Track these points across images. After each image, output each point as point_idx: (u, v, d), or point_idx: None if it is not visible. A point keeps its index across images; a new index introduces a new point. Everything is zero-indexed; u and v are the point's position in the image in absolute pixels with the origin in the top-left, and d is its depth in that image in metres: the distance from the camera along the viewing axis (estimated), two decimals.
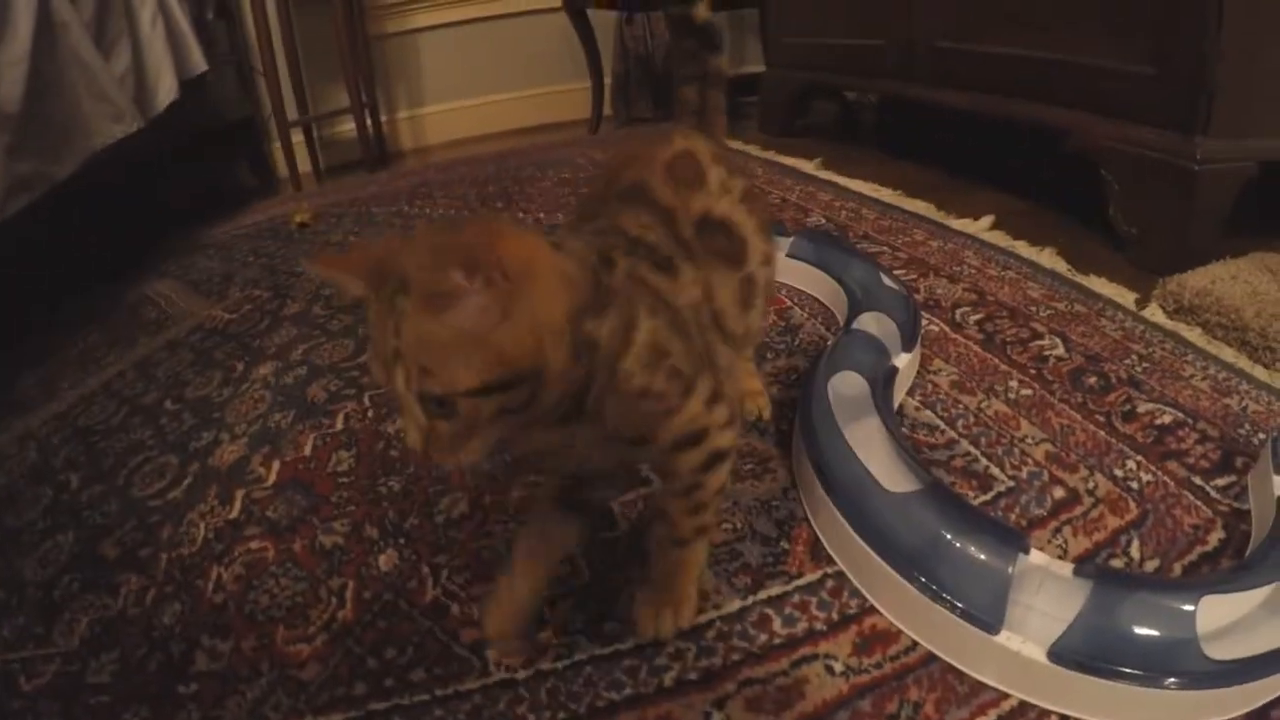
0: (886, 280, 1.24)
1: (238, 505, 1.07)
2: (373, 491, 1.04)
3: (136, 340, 1.71)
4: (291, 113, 2.92)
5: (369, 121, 3.09)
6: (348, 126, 3.13)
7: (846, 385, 0.96)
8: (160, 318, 1.82)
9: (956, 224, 1.68)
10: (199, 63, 2.34)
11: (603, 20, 3.10)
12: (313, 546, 0.96)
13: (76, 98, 1.79)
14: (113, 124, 1.89)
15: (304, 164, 3.02)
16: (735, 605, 0.80)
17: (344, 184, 2.81)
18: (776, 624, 0.78)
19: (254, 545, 0.99)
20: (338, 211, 2.37)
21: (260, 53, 2.77)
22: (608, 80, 3.23)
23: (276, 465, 1.13)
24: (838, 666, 0.73)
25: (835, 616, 0.78)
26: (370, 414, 1.22)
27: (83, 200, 2.00)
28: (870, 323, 1.12)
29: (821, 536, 0.87)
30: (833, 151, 2.25)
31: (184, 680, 0.82)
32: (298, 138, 2.96)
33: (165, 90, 2.15)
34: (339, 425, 1.20)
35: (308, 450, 1.16)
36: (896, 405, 1.06)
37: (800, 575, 0.83)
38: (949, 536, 0.73)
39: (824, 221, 1.76)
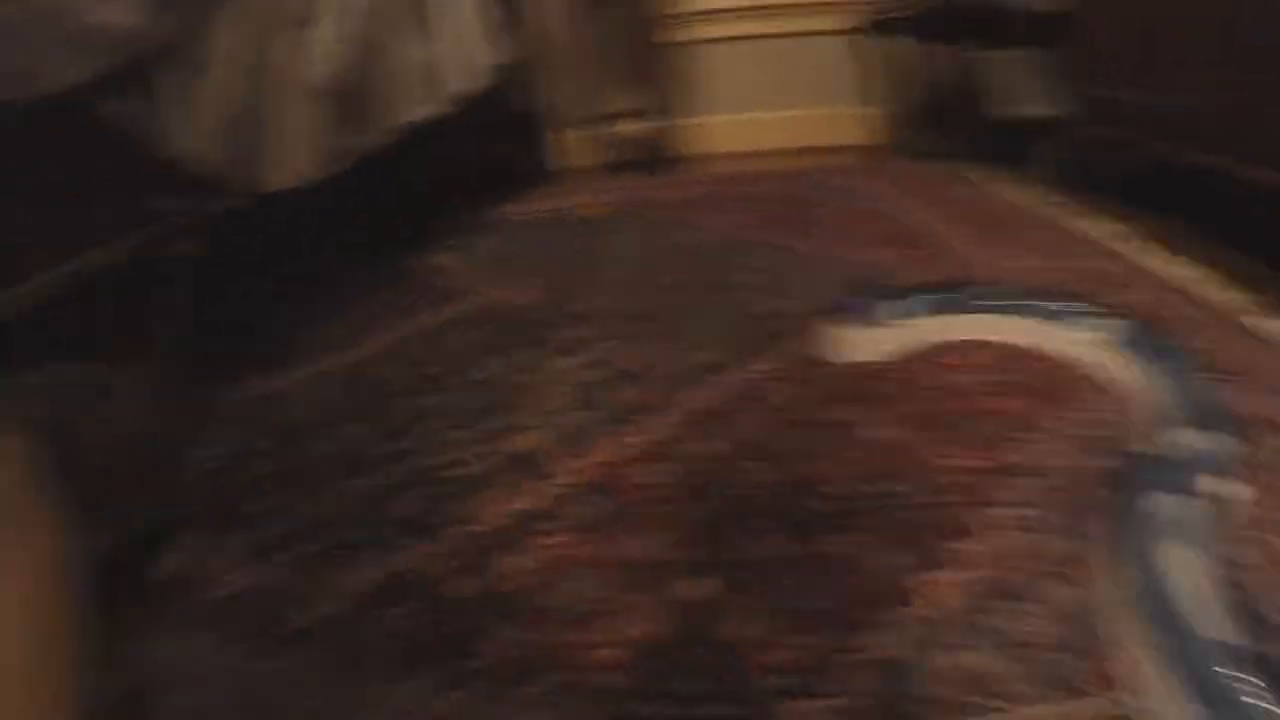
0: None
1: (535, 497, 1.01)
2: (681, 514, 0.96)
3: (422, 310, 1.73)
4: (580, 109, 3.04)
5: (655, 125, 3.11)
6: (633, 126, 3.17)
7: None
8: (448, 290, 1.83)
9: None
10: (503, 53, 2.43)
11: (898, 48, 2.97)
12: (614, 557, 0.89)
13: (387, 77, 1.89)
14: (421, 103, 2.00)
15: (587, 159, 3.13)
16: None
17: (627, 183, 2.81)
18: None
19: (549, 542, 0.93)
20: (624, 210, 2.35)
21: (555, 49, 2.89)
22: (896, 109, 3.09)
23: (578, 464, 1.08)
24: None
25: None
26: (683, 429, 1.14)
27: (376, 171, 2.10)
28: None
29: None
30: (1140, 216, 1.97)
31: (471, 655, 0.77)
32: (584, 133, 3.08)
33: (471, 76, 2.23)
34: (646, 436, 1.13)
35: (612, 455, 1.09)
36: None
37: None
38: None
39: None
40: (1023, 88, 3.03)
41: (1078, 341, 1.17)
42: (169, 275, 1.02)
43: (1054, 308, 1.22)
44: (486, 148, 2.90)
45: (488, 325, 1.60)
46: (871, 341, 1.26)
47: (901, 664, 0.71)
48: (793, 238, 1.92)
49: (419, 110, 2.02)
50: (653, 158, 3.04)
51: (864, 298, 1.30)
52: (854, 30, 2.89)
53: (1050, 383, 1.13)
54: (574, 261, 1.90)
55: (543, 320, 1.58)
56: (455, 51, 2.21)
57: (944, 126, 3.06)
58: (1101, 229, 1.86)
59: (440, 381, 1.37)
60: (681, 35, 3.28)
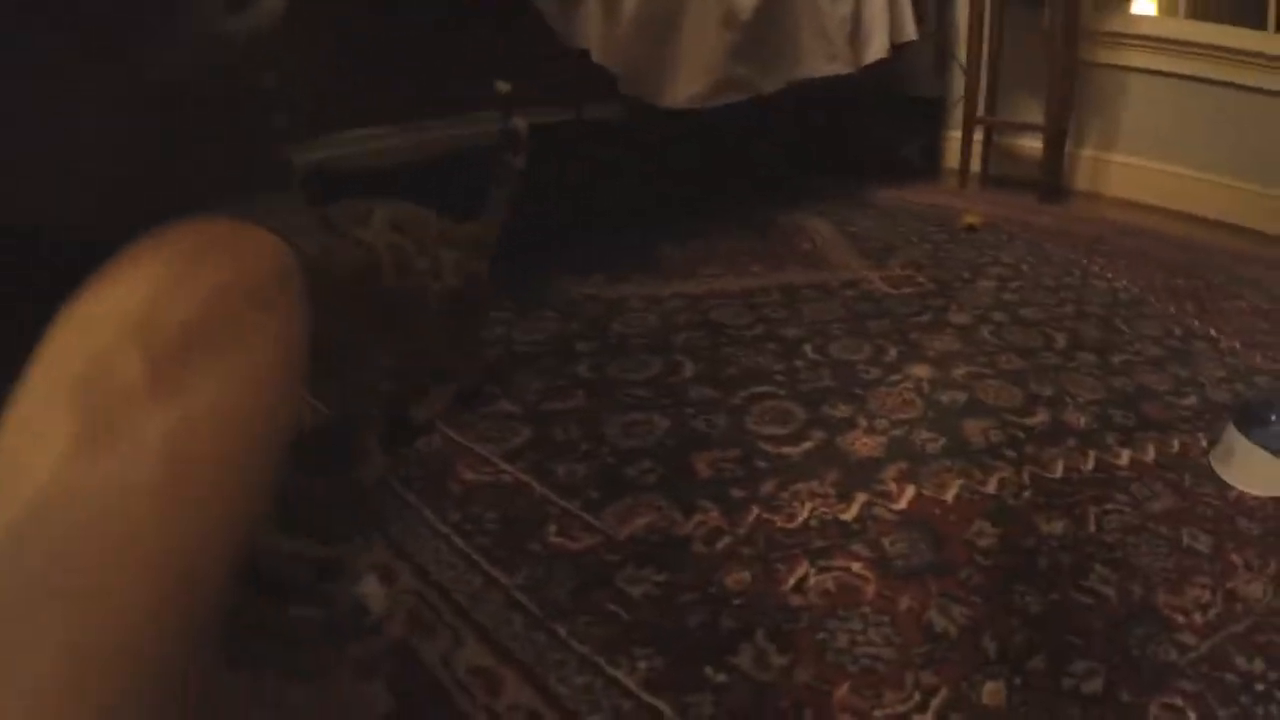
0: None
1: (855, 509, 0.92)
2: (1006, 595, 0.82)
3: (785, 265, 1.67)
4: (979, 109, 2.81)
5: (1054, 147, 2.83)
6: (1028, 142, 2.91)
7: None
8: (813, 255, 1.76)
9: None
10: (910, 31, 2.36)
11: None
12: (919, 618, 0.77)
13: (799, 26, 1.90)
14: (825, 61, 1.99)
15: (973, 163, 2.88)
16: None
17: (1014, 202, 2.60)
18: None
19: (856, 568, 0.83)
20: (1008, 229, 2.17)
21: (967, 42, 2.70)
22: None
23: (910, 492, 0.96)
24: None
25: None
26: (1027, 495, 0.98)
27: (761, 119, 2.10)
28: None
29: None
30: None
31: (718, 664, 0.70)
32: (976, 135, 2.85)
33: (876, 46, 2.18)
34: (990, 488, 0.99)
35: (949, 496, 0.96)
36: None
37: None
38: None
39: None
40: None
41: None
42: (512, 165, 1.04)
43: None
44: (876, 124, 2.81)
45: (852, 305, 1.49)
46: (1271, 471, 1.04)
47: None
48: (1189, 317, 1.66)
49: (828, 66, 2.00)
50: (1043, 182, 2.77)
51: (1275, 415, 1.07)
52: None
53: None
54: (953, 268, 1.75)
55: (911, 318, 1.46)
56: (873, 16, 2.17)
57: None
58: None
59: (791, 346, 1.30)
60: (1109, 57, 2.93)
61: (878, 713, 0.67)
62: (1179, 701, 0.71)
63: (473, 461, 0.95)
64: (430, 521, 0.85)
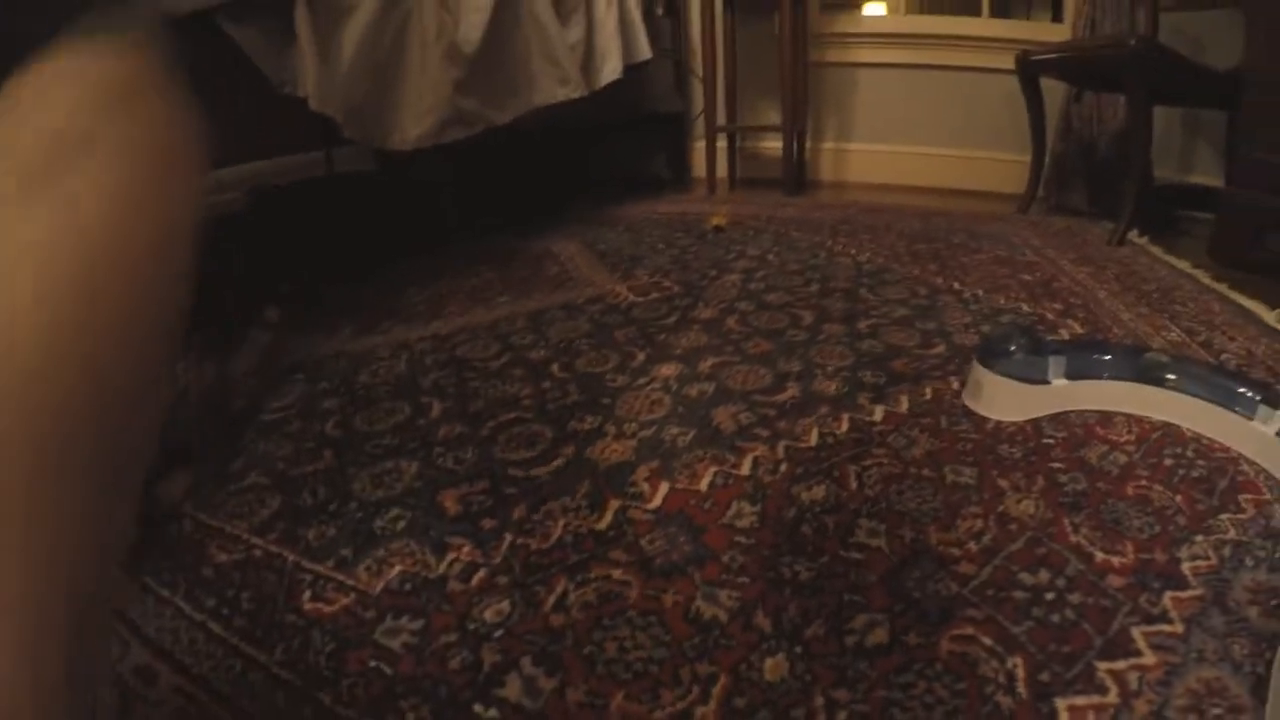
0: None
1: (609, 517, 0.88)
2: (774, 570, 0.80)
3: (532, 291, 1.63)
4: (720, 118, 2.95)
5: (794, 144, 2.98)
6: (769, 143, 3.10)
7: None
8: (561, 277, 1.73)
9: None
10: (644, 50, 2.40)
11: (1052, 93, 2.72)
12: (686, 611, 0.74)
13: (528, 54, 1.91)
14: (558, 86, 2.00)
15: (720, 170, 3.02)
16: None
17: (760, 199, 2.69)
18: None
19: (616, 575, 0.79)
20: (755, 225, 2.23)
21: (702, 56, 2.80)
22: (1046, 160, 2.84)
23: (664, 488, 0.93)
24: None
25: None
26: (783, 469, 0.98)
27: (505, 152, 2.05)
28: None
29: None
30: None
31: (485, 700, 0.65)
32: (720, 143, 3.01)
33: (610, 68, 2.21)
34: (745, 469, 0.98)
35: (703, 485, 0.94)
36: None
37: None
38: None
39: None
40: (1190, 151, 2.76)
41: (1249, 433, 0.97)
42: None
43: (1224, 390, 1.02)
44: (617, 145, 2.89)
45: (599, 318, 1.47)
46: (1019, 398, 1.08)
47: None
48: (933, 276, 1.75)
49: (560, 91, 2.01)
50: (786, 177, 2.90)
51: (1014, 346, 1.11)
52: (1010, 70, 2.66)
53: (1214, 477, 0.94)
54: (699, 269, 1.77)
55: (656, 321, 1.45)
56: (605, 39, 2.20)
57: (1096, 182, 2.79)
58: (1254, 306, 1.63)
59: (537, 368, 1.26)
60: (832, 56, 3.13)
61: (657, 714, 0.63)
62: (969, 630, 0.71)
63: (224, 542, 0.87)
64: (186, 612, 0.76)
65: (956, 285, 1.67)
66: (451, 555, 0.82)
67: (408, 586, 0.78)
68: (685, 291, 1.61)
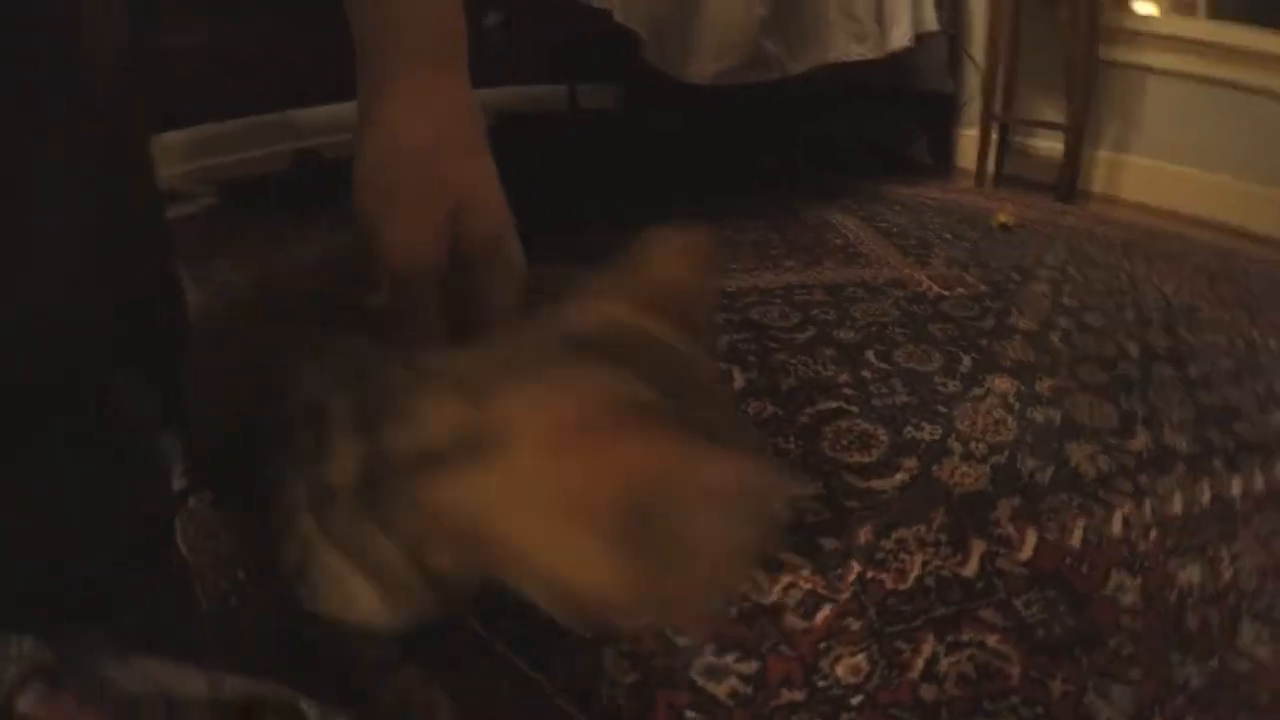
0: None
1: (974, 562, 0.73)
2: (1165, 664, 0.64)
3: (822, 261, 1.49)
4: (994, 106, 2.69)
5: (1076, 146, 2.72)
6: (1043, 141, 2.80)
7: None
8: (849, 250, 1.59)
9: None
10: (931, 21, 2.27)
11: None
12: (1077, 705, 0.59)
13: (827, 8, 1.82)
14: (853, 42, 1.89)
15: (987, 163, 2.77)
16: None
17: (1034, 202, 2.46)
18: None
19: (992, 642, 0.64)
20: (1039, 230, 2.03)
21: (989, 39, 2.59)
22: None
23: (1032, 537, 0.77)
24: None
25: None
26: (1153, 535, 0.81)
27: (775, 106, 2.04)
28: None
29: None
30: None
31: None
32: (992, 134, 2.74)
33: (900, 33, 2.09)
34: (1115, 528, 0.81)
35: (1075, 540, 0.78)
36: None
37: None
38: None
39: None
40: None
41: None
42: None
43: None
44: (883, 120, 2.70)
45: (907, 308, 1.32)
46: None
47: None
48: (1247, 327, 1.50)
49: (856, 49, 1.89)
50: (1062, 181, 2.64)
51: None
52: None
53: None
54: (1000, 269, 1.58)
55: (972, 322, 1.28)
56: (897, 2, 2.07)
57: None
58: None
59: (852, 353, 1.13)
60: (1128, 56, 2.81)
61: None
62: None
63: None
64: None
65: (1274, 344, 1.43)
66: (787, 578, 0.69)
67: (733, 611, 0.65)
68: (994, 293, 1.43)
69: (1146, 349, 1.29)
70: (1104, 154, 2.93)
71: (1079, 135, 2.68)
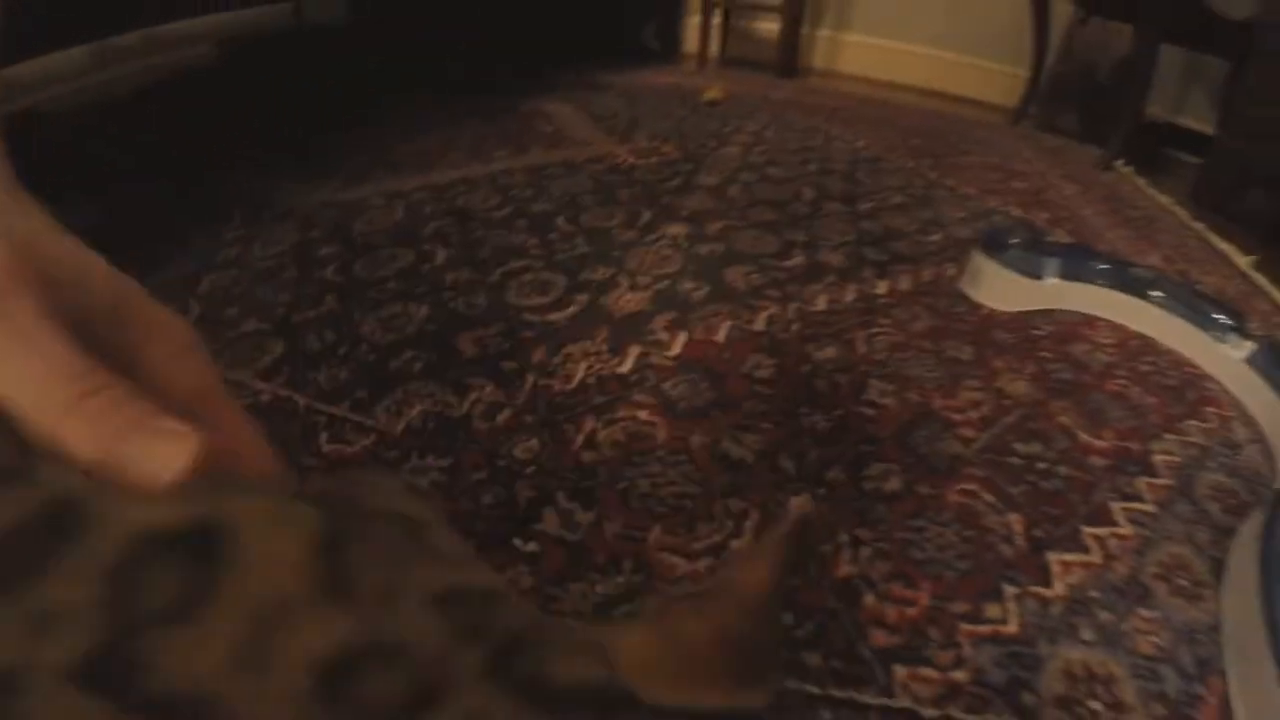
0: None
1: (630, 362, 0.89)
2: (793, 420, 0.83)
3: (529, 148, 1.61)
4: None
5: (792, 27, 2.93)
6: (764, 24, 3.01)
7: None
8: (555, 135, 1.71)
9: None
10: None
11: (1060, 12, 2.71)
12: (714, 451, 0.77)
13: None
14: None
15: (712, 47, 2.96)
16: None
17: (753, 80, 2.65)
18: None
19: (643, 416, 0.81)
20: (749, 103, 2.20)
21: None
22: (1042, 76, 2.84)
23: (682, 338, 0.95)
24: None
25: None
26: (795, 328, 1.00)
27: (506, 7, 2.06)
28: None
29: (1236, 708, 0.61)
30: (1271, 253, 1.79)
31: (524, 534, 0.66)
32: (715, 19, 2.91)
33: None
34: (759, 325, 1.00)
35: (720, 337, 0.96)
36: None
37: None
38: None
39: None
40: (1185, 92, 2.78)
41: (1219, 356, 1.03)
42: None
43: (1203, 313, 1.07)
44: (611, 10, 2.82)
45: (601, 178, 1.46)
46: (1015, 290, 1.12)
47: (1017, 643, 0.61)
48: (928, 170, 1.76)
49: None
50: (780, 60, 2.86)
51: (1015, 241, 1.15)
52: None
53: (1184, 389, 0.99)
54: (698, 138, 1.76)
55: (659, 183, 1.45)
56: None
57: (1089, 108, 2.81)
58: (1229, 249, 1.69)
59: (541, 221, 1.25)
60: None
61: (694, 546, 0.66)
62: (973, 486, 0.76)
63: (227, 389, 0.85)
64: None
65: (951, 183, 1.69)
66: (473, 396, 0.82)
67: (431, 426, 0.78)
68: (686, 158, 1.60)
69: (822, 191, 1.50)
70: (824, 33, 3.19)
71: (796, 15, 2.89)
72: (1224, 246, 1.71)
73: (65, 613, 0.21)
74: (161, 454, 0.25)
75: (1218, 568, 0.72)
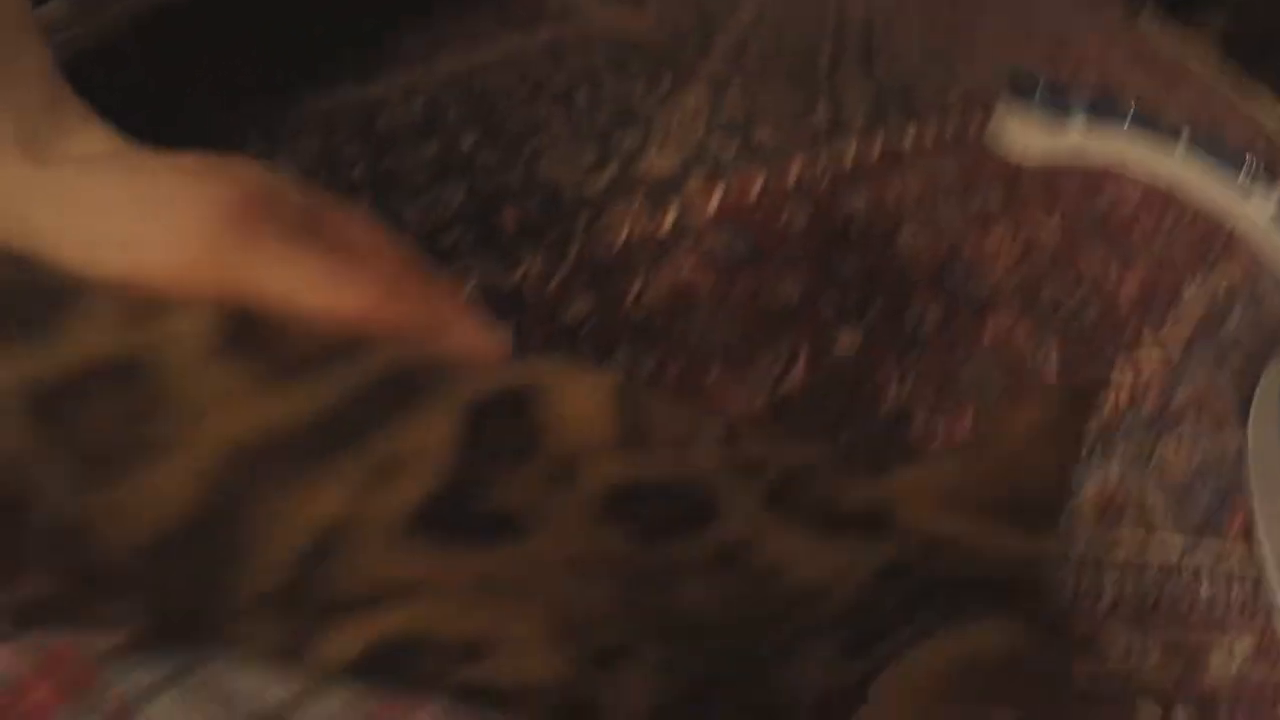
0: None
1: (669, 222, 0.92)
2: (829, 266, 0.86)
3: (537, 26, 1.59)
4: None
5: None
6: None
7: None
8: (561, 10, 1.68)
9: None
10: None
11: None
12: (756, 299, 0.80)
13: None
14: None
15: None
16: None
17: None
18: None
19: (687, 273, 0.84)
20: None
21: None
22: None
23: (716, 196, 0.97)
24: None
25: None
26: (828, 179, 1.02)
27: None
28: None
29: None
30: None
31: None
32: None
33: None
34: (790, 179, 1.02)
35: (753, 195, 0.98)
36: None
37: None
38: None
39: None
40: None
41: (1247, 209, 1.05)
42: None
43: (1231, 165, 1.09)
44: None
45: (616, 48, 1.45)
46: (1044, 140, 1.13)
47: None
48: (950, 22, 1.73)
49: None
50: None
51: (1040, 89, 1.15)
52: None
53: (1211, 238, 1.03)
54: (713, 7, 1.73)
55: (677, 51, 1.44)
56: None
57: None
58: (1257, 102, 1.68)
59: (564, 95, 1.24)
60: None
61: (751, 384, 0.70)
62: (1008, 322, 0.80)
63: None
64: None
65: (973, 35, 1.65)
66: (525, 267, 0.85)
67: (493, 298, 0.81)
68: (700, 21, 1.57)
69: (841, 48, 1.49)
70: None
71: None
72: (1252, 99, 1.71)
73: (412, 461, 0.25)
74: (482, 342, 0.30)
75: (1243, 405, 0.76)
